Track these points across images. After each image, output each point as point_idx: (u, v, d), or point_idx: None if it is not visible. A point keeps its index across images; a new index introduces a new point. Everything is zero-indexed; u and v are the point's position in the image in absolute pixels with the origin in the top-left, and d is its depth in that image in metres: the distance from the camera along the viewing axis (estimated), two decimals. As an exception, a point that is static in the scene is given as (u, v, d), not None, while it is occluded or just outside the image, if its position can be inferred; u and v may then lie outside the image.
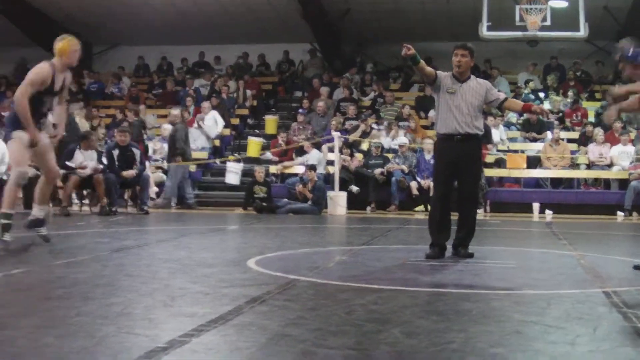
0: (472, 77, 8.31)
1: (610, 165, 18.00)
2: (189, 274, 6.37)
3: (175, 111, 18.63)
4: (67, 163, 14.54)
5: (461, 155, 7.93)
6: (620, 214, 16.70)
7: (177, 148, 17.63)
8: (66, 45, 8.37)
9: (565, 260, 8.23)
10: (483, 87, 8.21)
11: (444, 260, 7.80)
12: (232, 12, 23.82)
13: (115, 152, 15.19)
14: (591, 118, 20.27)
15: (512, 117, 20.27)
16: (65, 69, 8.50)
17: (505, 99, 8.42)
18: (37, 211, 8.64)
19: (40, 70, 8.25)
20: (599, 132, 18.48)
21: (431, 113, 19.23)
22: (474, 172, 8.44)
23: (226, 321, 4.33)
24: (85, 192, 16.11)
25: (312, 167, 16.91)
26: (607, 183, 17.99)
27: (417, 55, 7.85)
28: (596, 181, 18.01)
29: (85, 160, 14.74)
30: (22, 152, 8.25)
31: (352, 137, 19.02)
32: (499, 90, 9.18)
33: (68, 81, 8.65)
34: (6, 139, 8.65)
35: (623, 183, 17.46)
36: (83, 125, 19.56)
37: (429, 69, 8.16)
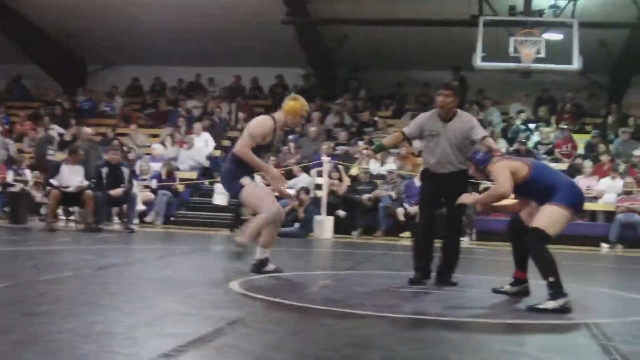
0: (458, 114, 8.16)
1: (597, 198, 18.07)
2: (172, 294, 6.36)
3: (89, 129, 18.93)
4: (51, 181, 14.54)
5: (447, 188, 7.93)
6: (604, 245, 16.76)
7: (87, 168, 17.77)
8: (298, 106, 8.15)
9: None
10: (467, 126, 7.99)
11: (427, 288, 7.79)
12: (227, 36, 23.84)
13: (104, 170, 15.18)
14: (581, 150, 20.35)
15: (502, 146, 20.30)
16: (284, 128, 8.38)
17: (483, 137, 7.90)
18: (261, 254, 8.31)
19: (263, 124, 8.10)
20: (587, 165, 18.56)
21: (416, 143, 19.25)
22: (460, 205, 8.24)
23: (207, 342, 4.33)
24: (71, 209, 16.10)
25: (305, 190, 16.92)
26: (593, 215, 18.06)
27: (377, 146, 8.67)
28: (583, 213, 18.05)
29: (72, 174, 14.72)
30: (263, 192, 8.17)
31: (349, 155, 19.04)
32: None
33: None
34: (232, 191, 8.46)
35: (609, 216, 17.53)
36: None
37: (394, 138, 8.49)
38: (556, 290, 6.19)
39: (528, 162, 6.96)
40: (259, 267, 8.21)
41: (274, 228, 8.11)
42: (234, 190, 8.15)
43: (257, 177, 8.29)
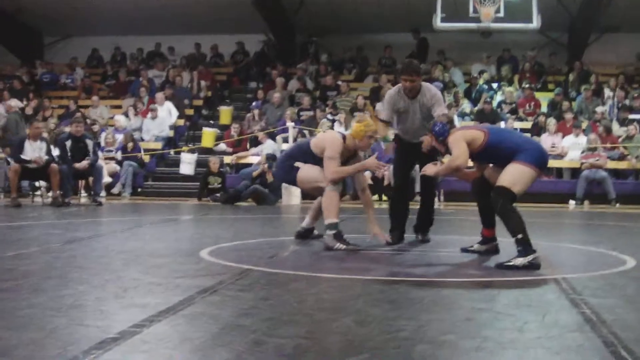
0: (423, 89, 8.31)
1: (562, 155, 18.20)
2: (141, 265, 6.34)
3: (13, 102, 18.81)
4: (22, 156, 14.37)
5: (419, 153, 7.99)
6: (572, 202, 16.92)
7: (7, 139, 17.69)
8: (362, 129, 8.01)
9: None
10: (431, 102, 8.21)
11: (397, 249, 7.87)
12: (185, 2, 23.69)
13: (68, 143, 15.04)
14: (544, 108, 20.47)
15: (466, 107, 20.37)
16: (354, 149, 8.21)
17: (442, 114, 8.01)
18: (309, 223, 8.63)
19: (335, 142, 8.03)
20: (551, 122, 18.68)
21: (378, 106, 19.21)
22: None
23: (177, 311, 4.32)
24: (37, 184, 15.99)
25: (271, 157, 16.90)
26: (559, 172, 18.21)
27: (386, 140, 8.86)
28: (549, 170, 18.18)
29: (34, 150, 14.57)
30: (316, 170, 8.03)
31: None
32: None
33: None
34: (289, 180, 8.47)
35: (575, 172, 17.69)
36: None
37: (384, 126, 8.52)
38: (524, 247, 6.25)
39: (484, 128, 6.99)
40: (304, 235, 8.59)
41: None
42: (292, 177, 8.22)
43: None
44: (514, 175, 6.47)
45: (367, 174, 16.95)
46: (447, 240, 9.00)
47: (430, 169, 7.13)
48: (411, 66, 8.26)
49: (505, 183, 6.44)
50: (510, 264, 6.22)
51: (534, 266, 6.16)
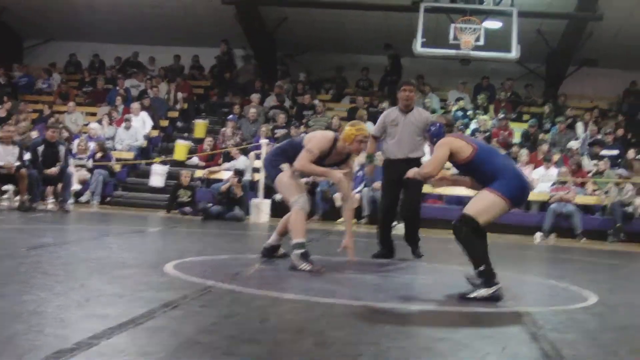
0: (416, 108, 9.66)
1: (532, 187, 18.28)
2: (106, 275, 6.31)
3: None
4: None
5: (404, 173, 8.03)
6: (538, 235, 16.99)
7: None
8: (353, 132, 7.91)
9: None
10: (423, 118, 9.43)
11: (363, 273, 7.89)
12: (167, 13, 23.69)
13: (41, 148, 14.97)
14: (517, 139, 20.58)
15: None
16: (345, 153, 8.12)
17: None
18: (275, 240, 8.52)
19: (322, 139, 7.99)
20: (523, 153, 18.79)
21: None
22: (416, 189, 9.61)
23: (138, 324, 4.31)
24: (3, 188, 15.88)
25: (240, 172, 16.91)
26: (527, 204, 18.27)
27: (369, 159, 10.11)
28: (522, 205, 18.23)
29: (6, 154, 14.48)
30: (295, 182, 7.98)
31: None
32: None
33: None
34: (272, 176, 8.17)
35: (543, 205, 17.77)
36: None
37: (371, 144, 9.55)
38: (487, 279, 6.20)
39: (475, 144, 6.72)
40: (271, 251, 8.52)
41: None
42: (274, 175, 8.05)
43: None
44: (482, 205, 6.37)
45: (337, 195, 17.11)
46: (413, 265, 9.03)
47: (409, 172, 7.07)
48: (409, 81, 9.92)
49: (472, 212, 6.34)
50: (473, 295, 6.21)
51: (495, 298, 6.15)
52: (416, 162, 9.03)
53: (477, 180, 6.69)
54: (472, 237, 6.33)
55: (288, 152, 8.06)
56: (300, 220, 7.78)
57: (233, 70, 24.96)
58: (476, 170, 6.62)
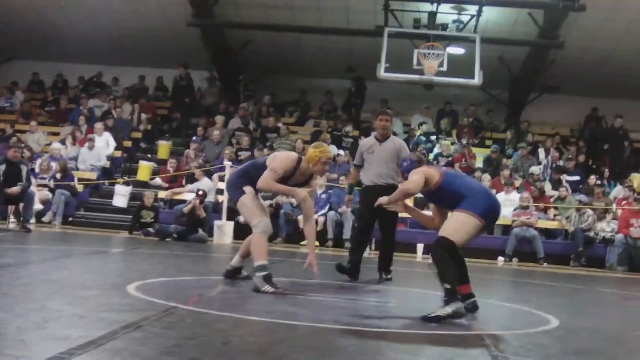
0: (391, 137, 10.18)
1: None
2: (66, 296, 6.26)
3: None
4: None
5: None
6: (500, 259, 17.09)
7: None
8: (317, 154, 7.89)
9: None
10: (397, 147, 9.94)
11: (326, 295, 7.90)
12: (132, 34, 23.65)
13: (2, 167, 14.84)
14: (479, 164, 20.71)
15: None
16: (309, 174, 8.11)
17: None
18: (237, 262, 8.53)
19: (285, 160, 7.98)
20: (486, 178, 18.89)
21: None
22: (391, 220, 10.04)
23: (99, 346, 4.27)
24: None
25: (204, 193, 16.87)
26: (490, 228, 18.36)
27: (350, 188, 10.73)
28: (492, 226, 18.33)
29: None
30: (257, 204, 8.01)
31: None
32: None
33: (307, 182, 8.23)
34: (235, 198, 8.13)
35: (506, 229, 17.88)
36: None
37: (354, 173, 10.46)
38: (450, 297, 6.30)
39: (442, 170, 7.05)
40: (233, 273, 8.54)
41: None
42: (237, 196, 8.02)
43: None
44: (454, 224, 6.56)
45: (301, 217, 17.08)
46: (377, 288, 9.04)
47: (382, 199, 7.15)
48: (386, 110, 10.75)
49: (445, 233, 6.52)
50: (435, 314, 6.24)
51: (457, 315, 6.20)
52: (392, 188, 8.87)
53: (448, 205, 6.88)
54: (447, 257, 6.49)
55: (251, 174, 8.04)
56: (261, 243, 7.78)
57: (192, 93, 24.86)
58: (445, 192, 6.81)
